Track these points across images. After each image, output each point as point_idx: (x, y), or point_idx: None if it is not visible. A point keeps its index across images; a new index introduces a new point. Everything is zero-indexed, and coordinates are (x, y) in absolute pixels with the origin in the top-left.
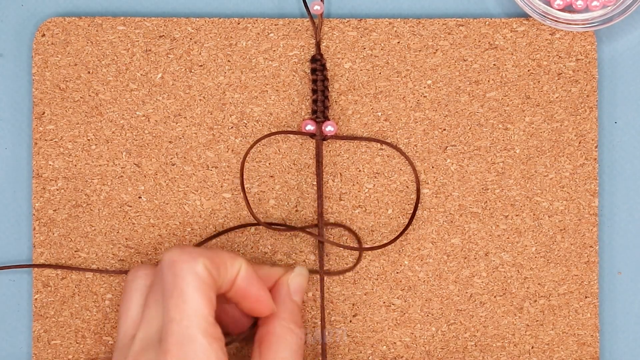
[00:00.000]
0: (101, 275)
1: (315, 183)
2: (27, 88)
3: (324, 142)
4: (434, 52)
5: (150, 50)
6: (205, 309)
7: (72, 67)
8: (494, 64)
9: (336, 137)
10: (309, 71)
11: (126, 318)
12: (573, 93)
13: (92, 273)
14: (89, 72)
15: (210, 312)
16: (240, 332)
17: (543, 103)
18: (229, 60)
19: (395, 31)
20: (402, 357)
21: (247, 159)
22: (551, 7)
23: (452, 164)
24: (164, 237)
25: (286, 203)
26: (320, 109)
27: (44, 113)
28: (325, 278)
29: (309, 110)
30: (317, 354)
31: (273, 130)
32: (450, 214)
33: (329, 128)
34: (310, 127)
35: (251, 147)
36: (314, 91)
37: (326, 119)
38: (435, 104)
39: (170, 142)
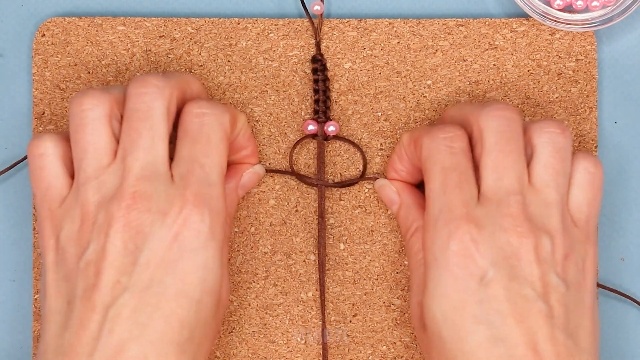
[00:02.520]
0: None
1: (315, 183)
2: (27, 88)
3: (325, 142)
4: (434, 52)
5: (150, 50)
6: (224, 160)
7: (72, 67)
8: (494, 64)
9: (337, 137)
10: (310, 71)
11: (94, 149)
12: (573, 93)
13: None
14: (89, 72)
15: (226, 163)
16: None
17: (543, 103)
18: (229, 61)
19: (395, 31)
20: (402, 357)
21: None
22: (551, 7)
23: None
24: None
25: (286, 203)
26: (322, 109)
27: (44, 113)
28: (325, 279)
29: (309, 111)
30: (317, 354)
31: (273, 130)
32: None
33: (331, 128)
34: (312, 127)
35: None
36: (316, 91)
37: (328, 119)
38: (435, 104)
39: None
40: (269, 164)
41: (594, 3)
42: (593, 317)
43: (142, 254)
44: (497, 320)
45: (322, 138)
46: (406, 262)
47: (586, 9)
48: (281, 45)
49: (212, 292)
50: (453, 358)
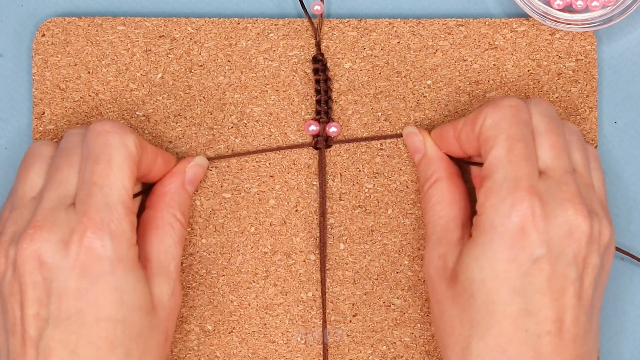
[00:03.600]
0: None
1: (315, 183)
2: (27, 88)
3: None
4: (434, 52)
5: (150, 50)
6: (128, 181)
7: (72, 67)
8: (494, 64)
9: (341, 141)
10: (311, 71)
11: (24, 182)
12: (573, 93)
13: None
14: (89, 72)
15: (132, 185)
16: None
17: None
18: (229, 60)
19: (395, 31)
20: (402, 357)
21: (246, 158)
22: (551, 7)
23: None
24: None
25: (286, 203)
26: (324, 110)
27: (44, 113)
28: (325, 278)
29: (310, 111)
30: (317, 354)
31: (273, 130)
32: None
33: (332, 129)
34: (313, 127)
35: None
36: (317, 91)
37: (330, 119)
38: (435, 104)
39: (170, 142)
40: (269, 164)
41: (594, 3)
42: (601, 300)
43: (52, 285)
44: (535, 295)
45: (323, 139)
46: (406, 262)
47: (586, 9)
48: (281, 45)
49: (138, 308)
50: (480, 318)
